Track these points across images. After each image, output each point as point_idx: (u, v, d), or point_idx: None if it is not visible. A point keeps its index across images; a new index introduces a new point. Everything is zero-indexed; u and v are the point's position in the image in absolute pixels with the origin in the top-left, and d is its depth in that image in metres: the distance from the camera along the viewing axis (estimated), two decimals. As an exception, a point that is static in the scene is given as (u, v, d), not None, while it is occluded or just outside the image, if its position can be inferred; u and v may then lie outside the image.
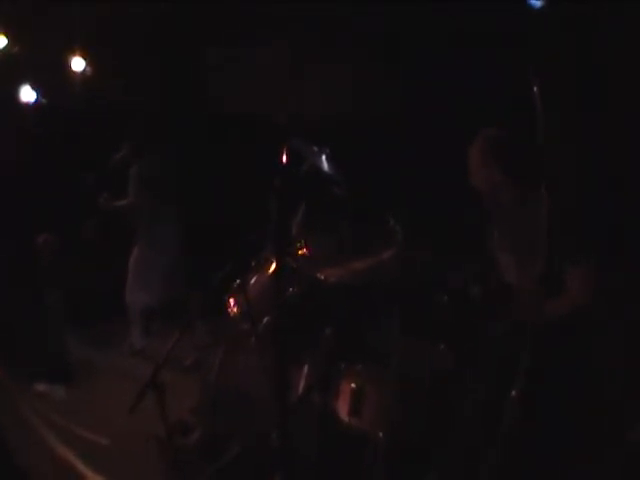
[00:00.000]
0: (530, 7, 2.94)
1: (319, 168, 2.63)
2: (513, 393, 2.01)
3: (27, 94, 5.90)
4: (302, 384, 2.79)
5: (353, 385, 2.54)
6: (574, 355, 2.47)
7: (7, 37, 5.60)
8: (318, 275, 2.66)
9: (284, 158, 2.05)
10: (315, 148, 2.66)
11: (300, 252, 2.77)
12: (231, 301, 2.87)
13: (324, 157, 2.67)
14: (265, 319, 2.73)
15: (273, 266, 2.81)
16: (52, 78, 5.87)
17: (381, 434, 2.46)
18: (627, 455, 2.50)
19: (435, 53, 4.00)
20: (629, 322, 2.64)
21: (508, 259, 2.79)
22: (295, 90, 4.54)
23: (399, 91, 4.19)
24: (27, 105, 5.92)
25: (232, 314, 2.86)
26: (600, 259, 2.49)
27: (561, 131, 2.62)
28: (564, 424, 2.42)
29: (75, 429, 4.06)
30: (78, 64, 5.87)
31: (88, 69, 5.90)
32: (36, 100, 5.93)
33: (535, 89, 1.96)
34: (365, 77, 4.34)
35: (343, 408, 2.57)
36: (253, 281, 2.86)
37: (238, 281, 2.86)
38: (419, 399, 2.51)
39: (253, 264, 2.92)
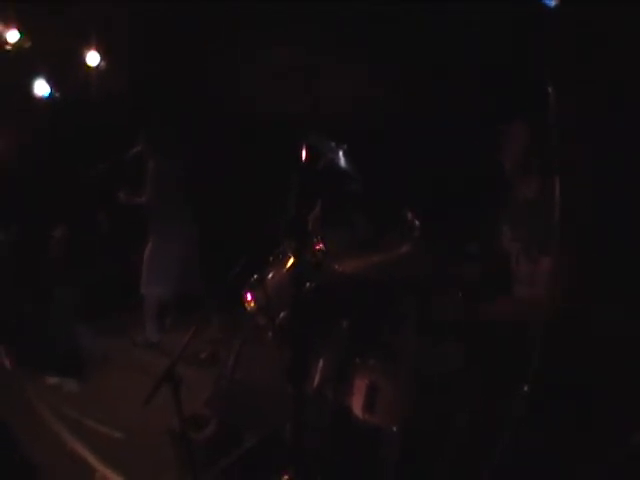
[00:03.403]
0: (545, 6, 2.94)
1: (336, 164, 2.64)
2: (524, 389, 2.02)
3: (41, 88, 5.92)
4: (317, 378, 2.79)
5: (367, 381, 2.54)
6: (576, 355, 2.47)
7: (20, 31, 5.62)
8: (334, 270, 2.66)
9: (302, 154, 2.05)
10: (332, 144, 2.66)
11: (317, 247, 2.77)
12: (248, 295, 2.87)
13: (341, 153, 2.67)
14: (282, 313, 2.74)
15: (290, 261, 2.82)
16: (66, 72, 5.89)
17: (395, 429, 2.46)
18: (629, 456, 2.50)
19: (451, 51, 4.00)
20: (631, 321, 2.64)
21: (518, 250, 2.80)
22: (311, 87, 4.54)
23: (415, 87, 4.19)
24: (41, 99, 5.94)
25: (249, 308, 2.87)
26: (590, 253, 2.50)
27: (576, 130, 2.62)
28: (566, 424, 2.43)
29: (87, 422, 4.08)
30: (93, 59, 5.90)
31: (103, 64, 5.92)
32: (50, 94, 5.95)
33: (550, 89, 1.96)
34: (381, 73, 4.34)
35: (357, 404, 2.57)
36: (270, 276, 2.87)
37: (255, 276, 2.87)
38: (433, 395, 2.51)
39: (271, 259, 2.93)
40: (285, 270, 2.83)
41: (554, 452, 2.39)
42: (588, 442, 2.44)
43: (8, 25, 5.57)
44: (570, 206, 2.06)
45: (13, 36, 5.62)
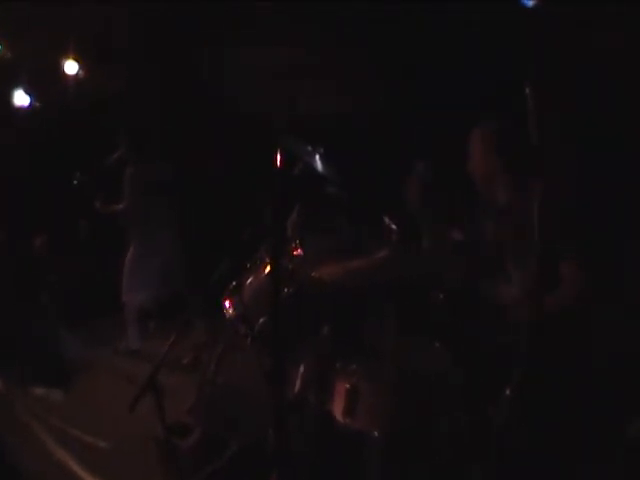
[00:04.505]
0: (523, 6, 2.95)
1: (313, 168, 2.63)
2: (507, 392, 2.02)
3: (21, 98, 5.92)
4: (298, 384, 2.79)
5: (348, 385, 2.53)
6: (573, 352, 2.47)
7: (1, 43, 5.61)
8: (313, 275, 2.65)
9: (278, 158, 2.05)
10: (309, 147, 2.66)
11: (295, 252, 2.77)
12: (227, 303, 2.86)
13: (318, 156, 2.67)
14: (261, 320, 2.73)
15: (268, 267, 2.81)
16: (45, 82, 5.89)
17: (376, 433, 2.45)
18: (627, 452, 2.50)
19: (433, 52, 4.01)
20: (627, 317, 2.65)
21: (505, 256, 2.80)
22: (290, 89, 4.55)
23: (396, 89, 4.20)
24: (21, 109, 5.94)
25: (228, 315, 2.86)
26: (594, 250, 2.51)
27: (559, 130, 2.63)
28: (562, 421, 2.43)
29: (73, 432, 4.07)
30: (71, 67, 5.90)
31: (81, 72, 5.92)
32: (30, 104, 5.96)
33: (528, 89, 1.96)
34: (361, 75, 4.35)
35: (338, 408, 2.56)
36: (248, 282, 2.86)
37: (234, 282, 2.86)
38: (414, 398, 2.51)
39: (248, 265, 2.92)
40: (263, 276, 2.82)
41: (554, 452, 2.39)
42: (588, 442, 2.45)
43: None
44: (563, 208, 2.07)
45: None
